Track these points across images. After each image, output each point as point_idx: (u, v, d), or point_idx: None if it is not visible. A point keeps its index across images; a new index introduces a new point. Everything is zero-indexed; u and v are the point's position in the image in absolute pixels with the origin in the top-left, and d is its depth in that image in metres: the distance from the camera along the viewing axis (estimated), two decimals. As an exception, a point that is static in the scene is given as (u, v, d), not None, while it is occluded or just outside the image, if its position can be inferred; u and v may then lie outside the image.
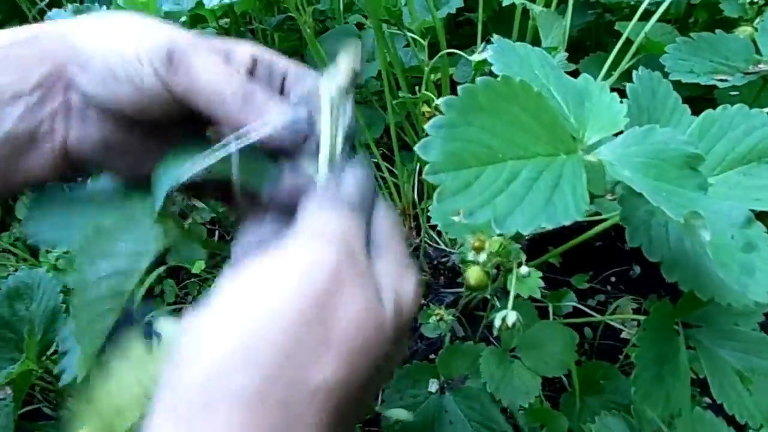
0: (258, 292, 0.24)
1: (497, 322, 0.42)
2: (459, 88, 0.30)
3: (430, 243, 0.69)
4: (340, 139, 0.30)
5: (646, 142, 0.34)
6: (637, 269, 0.66)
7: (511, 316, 0.41)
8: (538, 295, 0.44)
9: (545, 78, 0.34)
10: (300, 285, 0.24)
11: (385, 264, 0.28)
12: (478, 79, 0.31)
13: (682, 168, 0.34)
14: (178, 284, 0.75)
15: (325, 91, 0.30)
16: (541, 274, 0.43)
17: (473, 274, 0.43)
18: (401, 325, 0.27)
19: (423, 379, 0.57)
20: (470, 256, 0.42)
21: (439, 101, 0.31)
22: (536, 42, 0.62)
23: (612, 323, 0.61)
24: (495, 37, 0.35)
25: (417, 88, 0.65)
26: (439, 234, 0.70)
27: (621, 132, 0.35)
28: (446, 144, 0.30)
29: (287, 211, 0.28)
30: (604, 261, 0.67)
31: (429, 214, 0.56)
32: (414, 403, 0.55)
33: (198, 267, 0.71)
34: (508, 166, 0.31)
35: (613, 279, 0.66)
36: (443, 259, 0.67)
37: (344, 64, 0.30)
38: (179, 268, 0.75)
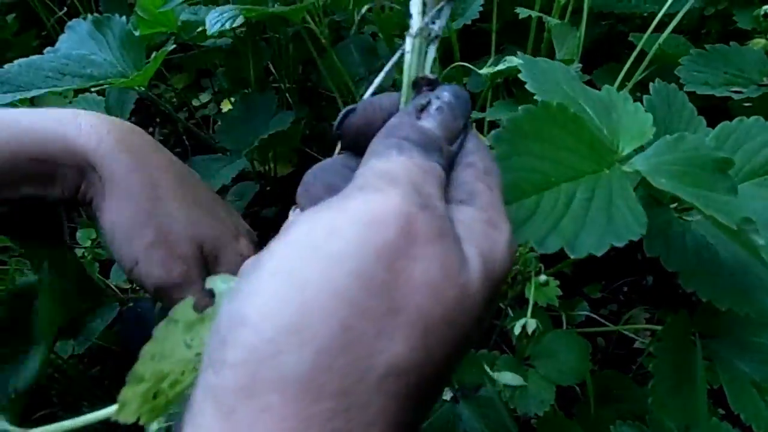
0: (311, 254, 0.19)
1: (517, 330, 0.42)
2: (504, 119, 0.31)
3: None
4: (431, 56, 0.25)
5: (677, 149, 0.35)
6: (650, 279, 0.66)
7: (531, 324, 0.42)
8: (555, 303, 0.45)
9: (573, 92, 0.34)
10: (360, 243, 0.19)
11: (471, 213, 0.23)
12: (520, 108, 0.31)
13: (713, 172, 0.34)
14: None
15: None
16: (558, 282, 0.43)
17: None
18: (490, 289, 0.22)
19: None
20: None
21: (488, 136, 0.31)
22: (550, 52, 0.62)
23: (625, 333, 0.61)
24: (519, 55, 0.36)
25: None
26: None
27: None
28: (504, 177, 0.28)
29: (364, 149, 0.24)
30: (617, 271, 0.67)
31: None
32: (428, 411, 0.55)
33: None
34: (563, 189, 0.32)
35: (625, 289, 0.66)
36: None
37: None
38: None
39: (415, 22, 0.25)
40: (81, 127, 0.38)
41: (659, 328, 0.47)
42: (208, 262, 0.39)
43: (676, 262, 0.37)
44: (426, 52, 0.25)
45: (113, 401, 0.24)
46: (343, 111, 0.25)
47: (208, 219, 0.40)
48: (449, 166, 0.24)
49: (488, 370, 0.44)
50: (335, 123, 0.25)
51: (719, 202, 0.31)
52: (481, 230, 0.22)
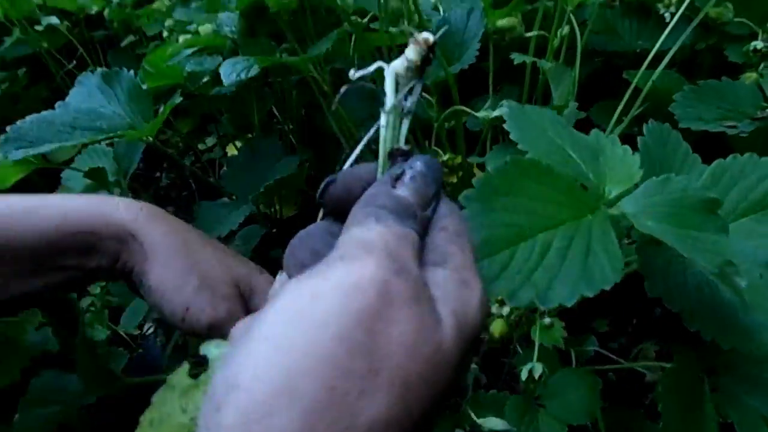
0: (297, 320, 0.21)
1: (523, 375, 0.42)
2: (474, 180, 0.32)
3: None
4: (404, 129, 0.27)
5: (664, 191, 0.35)
6: (658, 311, 0.66)
7: (537, 369, 0.42)
8: (561, 345, 0.45)
9: (559, 138, 0.35)
10: (341, 308, 0.21)
11: (444, 274, 0.25)
12: (488, 168, 0.32)
13: (701, 213, 0.34)
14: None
15: (392, 67, 0.26)
16: (563, 324, 0.43)
17: (497, 327, 0.44)
18: (464, 346, 0.23)
19: (447, 429, 0.57)
20: (494, 308, 0.43)
21: (459, 197, 0.32)
22: (547, 91, 0.64)
23: (635, 368, 0.60)
24: (506, 103, 0.37)
25: (429, 140, 0.67)
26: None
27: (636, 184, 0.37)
28: (475, 234, 0.30)
29: (345, 214, 0.26)
30: (625, 303, 0.67)
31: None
32: (439, 454, 0.55)
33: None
34: (539, 239, 0.32)
35: (634, 321, 0.66)
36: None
37: (417, 40, 0.26)
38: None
39: (389, 100, 0.27)
40: (119, 204, 0.45)
41: (669, 365, 0.47)
42: (245, 296, 0.45)
43: (677, 301, 0.38)
44: (400, 126, 0.28)
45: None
46: (325, 181, 0.28)
47: (236, 262, 0.47)
48: (424, 230, 0.26)
49: (474, 417, 0.44)
50: (318, 192, 0.28)
51: (707, 242, 0.31)
52: (454, 290, 0.24)
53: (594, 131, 0.38)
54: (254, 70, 0.57)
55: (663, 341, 0.63)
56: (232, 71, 0.58)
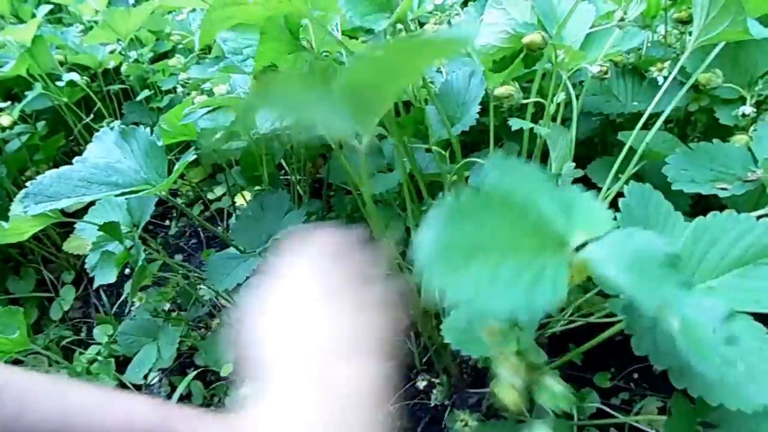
0: None
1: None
2: (448, 199, 0.34)
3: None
4: None
5: (629, 243, 0.36)
6: (660, 366, 0.66)
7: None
8: (566, 408, 0.45)
9: (536, 191, 0.37)
10: None
11: None
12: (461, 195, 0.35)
13: (663, 267, 0.36)
14: (206, 386, 0.76)
15: None
16: (569, 390, 0.44)
17: (511, 398, 0.43)
18: None
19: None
20: (505, 375, 0.43)
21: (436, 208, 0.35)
22: (545, 146, 0.66)
23: (637, 424, 0.60)
24: (490, 157, 0.38)
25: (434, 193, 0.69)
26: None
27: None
28: (437, 242, 0.32)
29: None
30: (625, 357, 0.67)
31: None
32: None
33: (226, 370, 0.72)
34: (493, 259, 0.33)
35: (636, 375, 0.66)
36: (467, 358, 0.69)
37: None
38: (207, 370, 0.77)
39: None
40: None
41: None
42: None
43: (664, 359, 0.39)
44: None
45: None
46: None
47: None
48: None
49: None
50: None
51: (669, 296, 0.33)
52: None
53: (572, 187, 0.40)
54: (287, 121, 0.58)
55: (665, 395, 0.63)
56: (267, 119, 0.59)
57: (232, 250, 0.73)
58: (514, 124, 0.51)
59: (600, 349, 0.68)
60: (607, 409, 0.61)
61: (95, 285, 0.66)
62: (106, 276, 0.65)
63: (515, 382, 0.43)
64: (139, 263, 0.63)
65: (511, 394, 0.44)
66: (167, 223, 1.11)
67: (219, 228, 1.04)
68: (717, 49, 0.56)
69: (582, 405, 0.60)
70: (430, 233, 0.33)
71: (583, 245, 0.37)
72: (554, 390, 0.45)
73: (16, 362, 0.80)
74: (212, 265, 0.69)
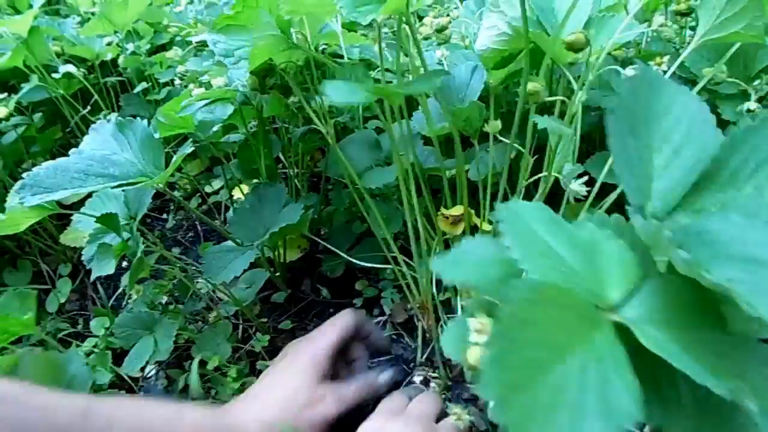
0: None
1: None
2: (501, 310, 0.29)
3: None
4: None
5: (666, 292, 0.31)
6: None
7: None
8: None
9: (552, 239, 0.33)
10: None
11: None
12: (511, 293, 0.29)
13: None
14: (202, 378, 0.76)
15: None
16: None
17: (473, 354, 0.42)
18: None
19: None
20: (473, 337, 0.42)
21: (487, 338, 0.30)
22: (542, 138, 0.66)
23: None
24: (499, 207, 0.35)
25: (430, 188, 0.69)
26: (457, 326, 0.72)
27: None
28: (497, 374, 0.26)
29: None
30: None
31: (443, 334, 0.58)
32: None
33: (216, 360, 0.72)
34: (556, 374, 0.27)
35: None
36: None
37: None
38: (203, 361, 0.77)
39: None
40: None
41: None
42: None
43: None
44: None
45: None
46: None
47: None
48: None
49: None
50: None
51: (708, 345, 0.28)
52: None
53: (587, 225, 0.35)
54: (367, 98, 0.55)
55: None
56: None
57: (229, 243, 0.73)
58: (540, 122, 0.50)
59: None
60: None
61: (92, 277, 0.66)
62: (104, 268, 0.64)
63: (480, 341, 0.41)
64: (137, 255, 0.62)
65: (475, 350, 0.42)
66: (164, 216, 1.11)
67: (216, 221, 1.04)
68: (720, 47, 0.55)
69: None
70: (491, 365, 0.27)
71: (619, 304, 0.31)
72: None
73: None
74: (209, 258, 0.69)
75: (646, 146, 0.39)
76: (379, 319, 0.79)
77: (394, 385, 0.68)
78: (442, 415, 0.58)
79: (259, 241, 0.69)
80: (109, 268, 0.64)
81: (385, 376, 0.67)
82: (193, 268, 0.82)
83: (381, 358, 0.74)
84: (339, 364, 0.67)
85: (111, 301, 0.93)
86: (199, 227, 1.06)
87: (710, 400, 0.30)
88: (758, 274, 0.29)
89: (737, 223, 0.34)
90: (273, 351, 0.78)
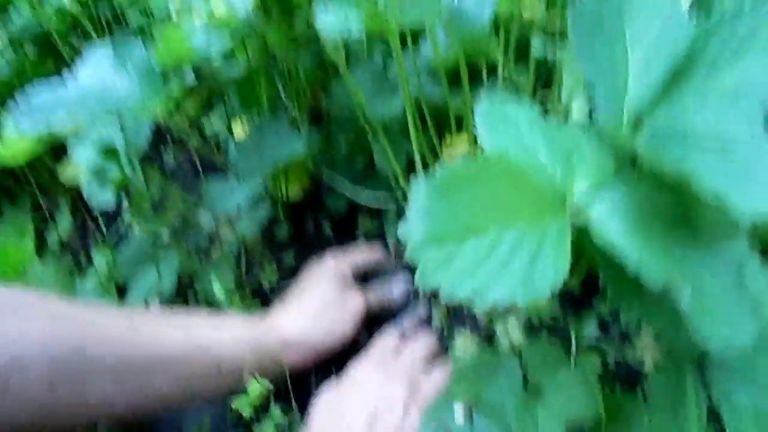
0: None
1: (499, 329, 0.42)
2: (436, 172, 0.32)
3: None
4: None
5: (634, 194, 0.33)
6: (659, 297, 0.66)
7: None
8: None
9: (532, 140, 0.35)
10: None
11: None
12: (453, 163, 0.32)
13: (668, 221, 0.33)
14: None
15: None
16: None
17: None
18: None
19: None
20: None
21: (415, 189, 0.32)
22: (552, 71, 0.64)
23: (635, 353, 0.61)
24: (481, 97, 0.36)
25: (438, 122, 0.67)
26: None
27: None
28: (425, 224, 0.31)
29: None
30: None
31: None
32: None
33: (222, 291, 0.72)
34: (490, 235, 0.31)
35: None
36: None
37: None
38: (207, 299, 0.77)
39: None
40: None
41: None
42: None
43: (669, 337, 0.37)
44: None
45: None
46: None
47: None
48: None
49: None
50: None
51: (678, 260, 0.30)
52: None
53: (568, 128, 0.37)
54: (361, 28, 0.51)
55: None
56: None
57: (231, 177, 0.72)
58: (538, 48, 0.48)
59: (597, 280, 0.69)
60: (605, 336, 0.62)
61: (93, 210, 0.65)
62: (104, 199, 0.63)
63: None
64: (138, 185, 0.61)
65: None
66: (163, 155, 1.09)
67: (217, 159, 1.02)
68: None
69: (580, 330, 0.61)
70: (418, 214, 0.31)
71: (584, 198, 0.34)
72: None
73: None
74: (211, 189, 0.68)
75: (619, 46, 0.38)
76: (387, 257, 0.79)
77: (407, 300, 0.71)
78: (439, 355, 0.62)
79: (261, 174, 0.67)
80: (109, 199, 0.64)
81: (399, 288, 0.70)
82: (195, 201, 0.81)
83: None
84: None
85: (113, 238, 0.93)
86: (199, 166, 1.04)
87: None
88: (730, 161, 0.30)
89: (714, 114, 0.34)
90: (279, 285, 0.78)
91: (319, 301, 0.63)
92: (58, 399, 0.46)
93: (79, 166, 0.95)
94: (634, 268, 0.29)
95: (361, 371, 0.60)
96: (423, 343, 0.62)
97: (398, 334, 0.64)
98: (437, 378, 0.58)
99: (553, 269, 0.30)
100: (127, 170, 0.64)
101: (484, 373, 0.56)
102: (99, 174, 0.66)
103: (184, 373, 0.54)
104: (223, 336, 0.57)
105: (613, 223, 0.32)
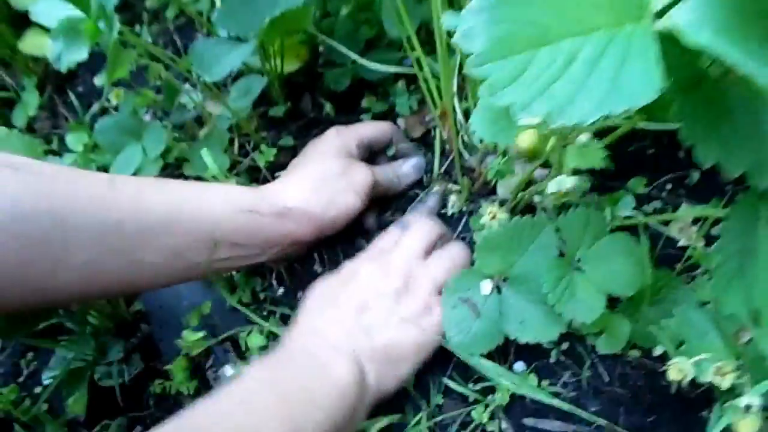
0: None
1: (551, 188, 0.37)
2: None
3: (468, 145, 0.64)
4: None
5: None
6: (695, 176, 0.61)
7: (565, 182, 0.37)
8: (602, 165, 0.39)
9: None
10: None
11: None
12: None
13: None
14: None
15: None
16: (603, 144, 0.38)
17: (525, 138, 0.37)
18: None
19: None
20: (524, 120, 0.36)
21: None
22: None
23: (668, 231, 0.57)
24: None
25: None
26: (479, 139, 0.65)
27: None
28: (491, 29, 0.28)
29: None
30: (658, 168, 0.62)
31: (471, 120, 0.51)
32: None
33: (216, 170, 0.65)
34: (565, 45, 0.28)
35: (669, 186, 0.61)
36: (481, 166, 0.63)
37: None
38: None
39: None
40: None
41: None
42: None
43: (740, 160, 0.34)
44: None
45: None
46: None
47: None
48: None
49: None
50: None
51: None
52: None
53: None
54: None
55: (700, 204, 0.59)
56: None
57: (221, 36, 0.62)
58: None
59: (631, 159, 0.63)
60: (641, 215, 0.57)
61: (63, 67, 0.56)
62: (75, 55, 0.54)
63: (534, 123, 0.36)
64: (112, 38, 0.52)
65: (528, 134, 0.37)
66: (138, 30, 0.97)
67: (198, 34, 0.91)
68: None
69: (615, 210, 0.56)
70: (481, 18, 0.28)
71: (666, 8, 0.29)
72: (588, 146, 0.39)
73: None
74: (199, 51, 0.59)
75: None
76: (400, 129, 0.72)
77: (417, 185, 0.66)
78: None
79: (255, 32, 0.58)
80: (81, 55, 0.54)
81: (409, 163, 0.65)
82: (180, 64, 0.71)
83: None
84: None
85: (87, 117, 0.84)
86: (179, 42, 0.93)
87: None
88: None
89: None
90: (275, 167, 0.71)
91: (320, 173, 0.58)
92: (31, 264, 0.40)
93: (42, 37, 0.84)
94: (738, 64, 0.25)
95: (358, 263, 0.56)
96: (422, 233, 0.58)
97: (399, 229, 0.59)
98: (435, 267, 0.55)
99: (643, 78, 0.27)
100: (101, 17, 0.54)
101: (515, 244, 0.51)
102: (67, 27, 0.56)
103: (173, 238, 0.48)
104: (213, 199, 0.52)
105: (703, 22, 0.28)
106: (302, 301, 0.55)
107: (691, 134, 0.35)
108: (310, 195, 0.56)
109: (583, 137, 0.38)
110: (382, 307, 0.52)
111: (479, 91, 0.29)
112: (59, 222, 0.41)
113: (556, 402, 0.51)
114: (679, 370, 0.42)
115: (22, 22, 0.87)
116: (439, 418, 0.53)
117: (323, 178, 0.57)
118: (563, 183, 0.37)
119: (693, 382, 0.41)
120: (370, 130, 0.65)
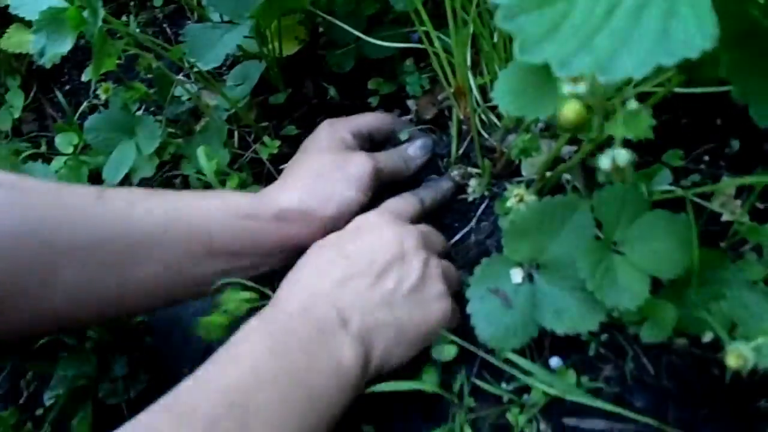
0: None
1: (604, 164, 0.33)
2: None
3: (486, 124, 0.59)
4: None
5: None
6: (735, 145, 0.56)
7: (623, 156, 0.32)
8: (651, 135, 0.35)
9: None
10: None
11: None
12: None
13: None
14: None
15: None
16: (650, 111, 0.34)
17: (571, 108, 0.32)
18: None
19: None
20: (567, 89, 0.32)
21: None
22: None
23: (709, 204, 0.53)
24: None
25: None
26: (498, 117, 0.60)
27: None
28: None
29: None
30: (694, 138, 0.58)
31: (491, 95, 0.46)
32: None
33: (215, 165, 0.61)
34: None
35: (706, 158, 0.57)
36: (502, 145, 0.58)
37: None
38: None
39: None
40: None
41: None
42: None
43: None
44: None
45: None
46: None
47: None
48: None
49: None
50: None
51: None
52: None
53: None
54: None
55: (741, 175, 0.54)
56: None
57: (213, 21, 0.58)
58: None
59: (666, 130, 0.58)
60: (679, 190, 0.53)
61: (47, 62, 0.52)
62: (59, 47, 0.50)
63: (579, 91, 0.31)
64: (97, 26, 0.47)
65: (574, 104, 0.33)
66: (125, 19, 0.92)
67: (189, 22, 0.86)
68: None
69: (651, 184, 0.51)
70: None
71: None
72: (637, 114, 0.34)
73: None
74: (192, 36, 0.55)
75: None
76: (404, 118, 0.67)
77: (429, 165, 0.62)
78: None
79: (249, 12, 0.54)
80: (65, 47, 0.50)
81: (415, 144, 0.61)
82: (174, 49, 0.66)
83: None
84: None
85: (76, 117, 0.79)
86: (168, 31, 0.89)
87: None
88: None
89: None
90: (279, 159, 0.67)
91: (314, 170, 0.55)
92: (19, 285, 0.36)
93: (25, 33, 0.79)
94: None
95: (373, 218, 0.51)
96: (438, 236, 0.55)
97: (416, 201, 0.55)
98: (445, 263, 0.51)
99: (695, 26, 0.24)
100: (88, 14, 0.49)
101: (546, 227, 0.47)
102: (50, 18, 0.51)
103: (167, 252, 0.45)
104: (209, 207, 0.49)
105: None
106: (300, 259, 0.50)
107: (745, 91, 0.31)
108: (304, 194, 0.53)
109: (632, 104, 0.33)
110: (402, 280, 0.47)
111: (514, 47, 0.24)
112: (47, 240, 0.39)
113: (598, 403, 0.47)
114: (738, 356, 0.38)
115: (3, 19, 0.83)
116: (471, 417, 0.50)
117: (317, 175, 0.54)
118: (619, 156, 0.32)
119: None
120: (366, 118, 0.62)
